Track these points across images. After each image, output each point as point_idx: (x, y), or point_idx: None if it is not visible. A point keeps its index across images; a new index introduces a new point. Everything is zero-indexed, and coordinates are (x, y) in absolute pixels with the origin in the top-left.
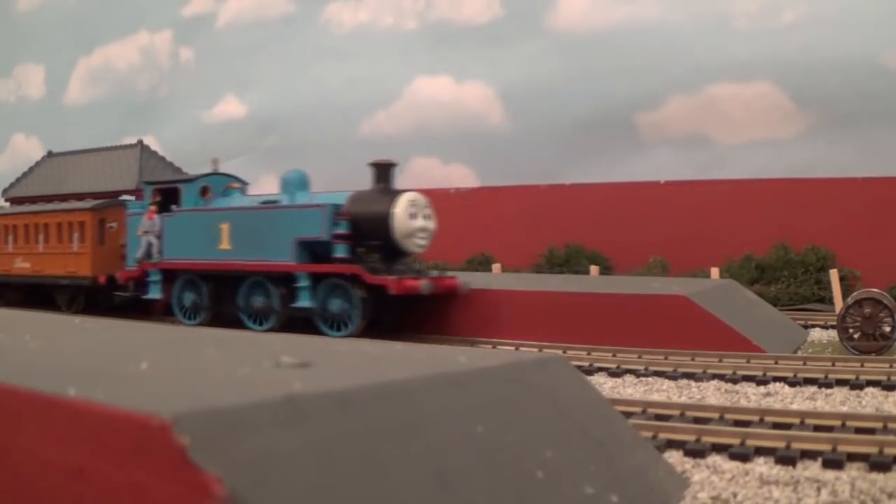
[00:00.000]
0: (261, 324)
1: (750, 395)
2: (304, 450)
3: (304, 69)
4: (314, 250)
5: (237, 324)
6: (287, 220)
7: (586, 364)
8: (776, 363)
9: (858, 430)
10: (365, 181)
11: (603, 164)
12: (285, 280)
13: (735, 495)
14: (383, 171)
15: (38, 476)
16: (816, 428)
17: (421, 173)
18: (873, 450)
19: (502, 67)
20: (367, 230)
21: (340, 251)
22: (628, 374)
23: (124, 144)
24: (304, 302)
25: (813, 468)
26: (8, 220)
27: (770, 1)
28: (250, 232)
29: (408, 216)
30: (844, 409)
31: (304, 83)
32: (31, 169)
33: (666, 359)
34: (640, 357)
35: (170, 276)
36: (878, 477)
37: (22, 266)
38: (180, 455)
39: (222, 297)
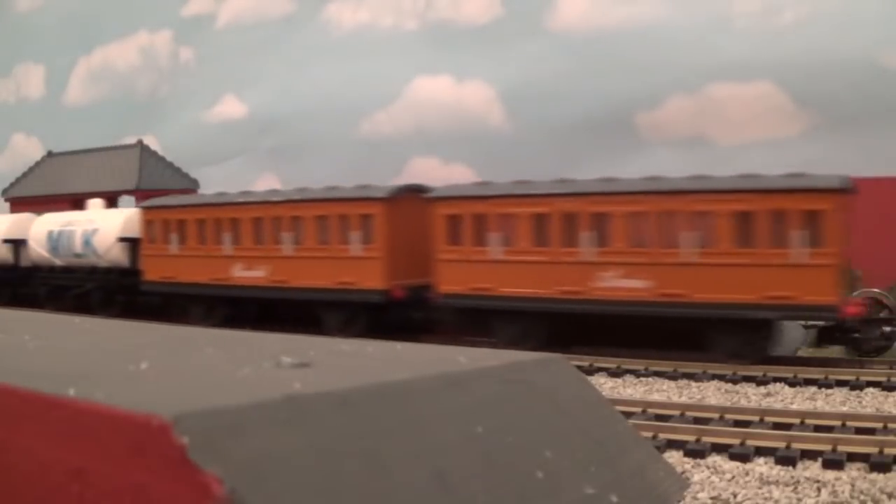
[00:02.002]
0: None
1: (750, 396)
2: (304, 450)
3: (304, 69)
4: None
5: None
6: None
7: (586, 364)
8: (776, 363)
9: (858, 431)
10: (363, 181)
11: (603, 164)
12: None
13: (735, 495)
14: None
15: (38, 476)
16: (816, 428)
17: (421, 173)
18: (873, 450)
19: (502, 67)
20: None
21: None
22: (628, 374)
23: (124, 144)
24: None
25: (813, 468)
26: (552, 205)
27: (770, 1)
28: None
29: None
30: (844, 409)
31: (304, 83)
32: (31, 169)
33: (666, 359)
34: (639, 357)
35: None
36: (879, 477)
37: (615, 284)
38: (180, 455)
39: None
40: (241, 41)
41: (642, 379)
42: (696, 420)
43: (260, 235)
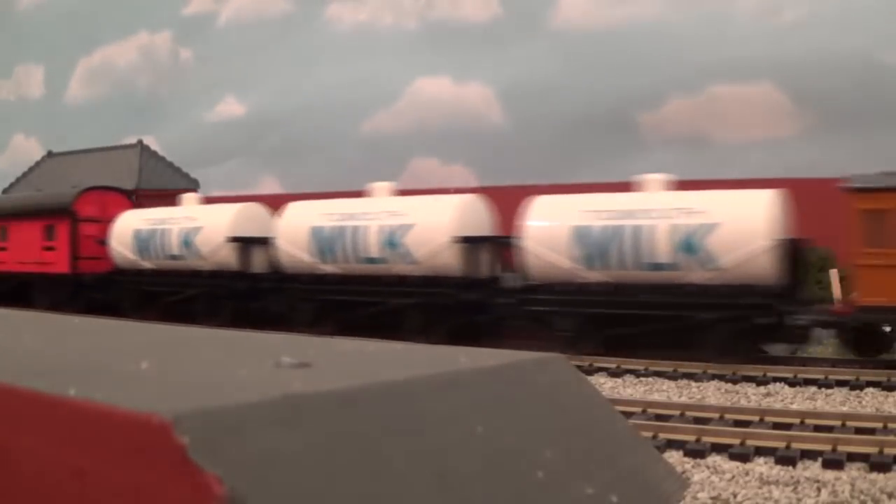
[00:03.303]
0: None
1: (750, 396)
2: (305, 450)
3: (304, 69)
4: None
5: None
6: None
7: (586, 364)
8: (776, 364)
9: (858, 431)
10: (364, 182)
11: (603, 164)
12: None
13: (735, 495)
14: None
15: (38, 476)
16: (816, 428)
17: (421, 173)
18: (873, 450)
19: (502, 67)
20: None
21: None
22: (628, 374)
23: (124, 144)
24: None
25: (813, 468)
26: None
27: (770, 1)
28: None
29: None
30: (844, 409)
31: (304, 83)
32: (31, 169)
33: (666, 359)
34: (639, 357)
35: None
36: (879, 477)
37: None
38: (180, 455)
39: None
40: (241, 41)
41: (642, 379)
42: (696, 420)
43: None
